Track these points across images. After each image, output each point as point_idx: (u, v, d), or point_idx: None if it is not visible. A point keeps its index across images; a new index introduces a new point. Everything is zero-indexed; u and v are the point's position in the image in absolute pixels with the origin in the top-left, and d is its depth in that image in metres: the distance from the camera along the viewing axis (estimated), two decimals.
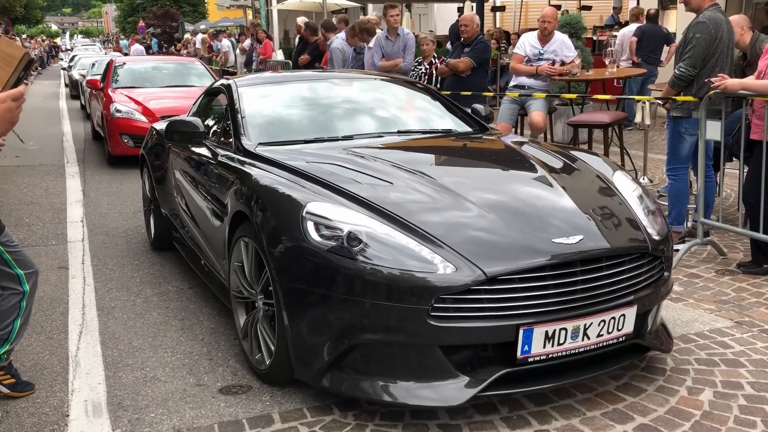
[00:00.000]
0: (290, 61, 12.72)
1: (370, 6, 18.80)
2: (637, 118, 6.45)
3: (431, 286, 2.65)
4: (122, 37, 36.64)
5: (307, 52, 10.86)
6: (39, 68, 36.48)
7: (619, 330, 2.89)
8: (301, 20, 11.92)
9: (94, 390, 3.22)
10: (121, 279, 4.81)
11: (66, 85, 24.28)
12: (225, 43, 18.33)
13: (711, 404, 2.98)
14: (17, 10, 34.15)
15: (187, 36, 26.40)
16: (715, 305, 4.08)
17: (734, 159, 5.24)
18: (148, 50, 27.10)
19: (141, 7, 41.70)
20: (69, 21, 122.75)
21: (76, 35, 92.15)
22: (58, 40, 75.44)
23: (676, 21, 11.70)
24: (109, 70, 10.68)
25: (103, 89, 10.12)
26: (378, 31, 8.59)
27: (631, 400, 3.01)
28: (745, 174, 4.75)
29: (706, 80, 4.77)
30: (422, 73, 8.34)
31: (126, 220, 6.44)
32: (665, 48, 10.72)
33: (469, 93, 7.05)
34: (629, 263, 2.97)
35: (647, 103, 6.42)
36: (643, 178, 7.19)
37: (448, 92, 7.18)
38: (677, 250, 4.65)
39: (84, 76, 15.77)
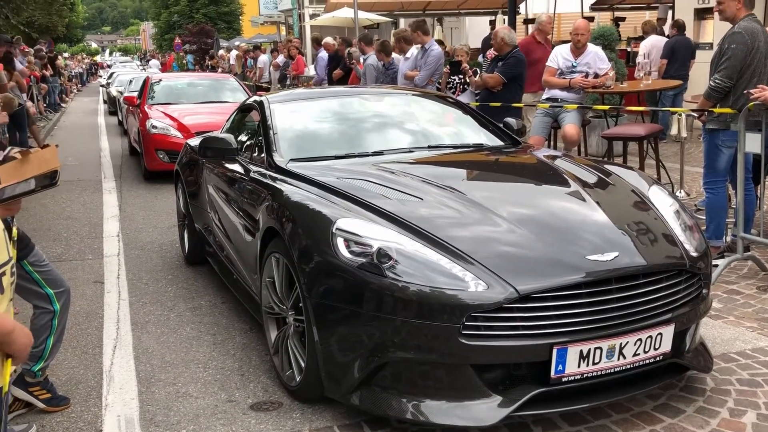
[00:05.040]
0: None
1: (401, 20, 18.90)
2: (673, 131, 6.34)
3: (462, 304, 2.62)
4: (160, 56, 37.41)
5: (340, 67, 10.95)
6: (79, 86, 37.42)
7: (656, 349, 2.82)
8: (328, 40, 12.02)
9: (127, 405, 3.25)
10: (155, 293, 4.86)
11: (104, 102, 24.82)
12: (262, 59, 18.47)
13: (754, 427, 2.88)
14: (59, 30, 35.05)
15: (221, 52, 26.75)
16: (757, 323, 3.96)
17: None
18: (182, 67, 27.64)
19: (177, 24, 42.55)
20: (108, 39, 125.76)
21: (114, 52, 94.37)
22: (98, 58, 77.32)
23: (713, 31, 11.49)
24: (146, 86, 10.90)
25: (140, 105, 10.32)
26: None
27: (670, 421, 2.93)
28: None
29: (745, 92, 4.66)
30: (456, 83, 8.32)
31: (161, 234, 6.52)
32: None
33: (499, 104, 6.98)
34: (666, 280, 2.90)
35: (683, 115, 6.31)
36: (680, 192, 7.04)
37: (476, 104, 7.14)
38: (716, 266, 4.53)
39: (121, 93, 16.09)
